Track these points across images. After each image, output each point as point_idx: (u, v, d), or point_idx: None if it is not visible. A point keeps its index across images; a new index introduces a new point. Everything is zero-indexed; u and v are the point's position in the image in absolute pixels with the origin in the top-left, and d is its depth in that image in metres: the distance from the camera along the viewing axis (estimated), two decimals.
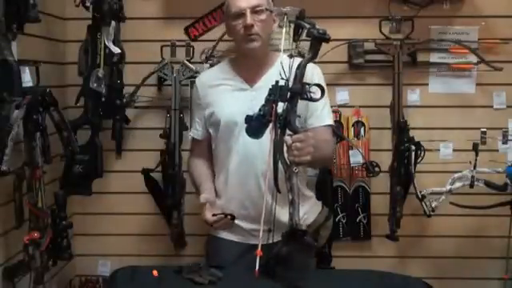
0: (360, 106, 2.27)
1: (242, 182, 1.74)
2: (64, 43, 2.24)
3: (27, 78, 1.65)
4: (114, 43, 1.95)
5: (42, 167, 1.62)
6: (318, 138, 1.57)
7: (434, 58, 2.26)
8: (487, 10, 2.24)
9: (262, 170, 1.68)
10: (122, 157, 2.32)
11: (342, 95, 2.27)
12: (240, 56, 1.82)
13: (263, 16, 1.69)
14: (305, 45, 1.93)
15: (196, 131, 1.87)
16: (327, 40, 1.43)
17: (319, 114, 1.75)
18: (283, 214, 1.51)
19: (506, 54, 2.23)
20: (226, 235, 1.81)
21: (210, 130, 1.82)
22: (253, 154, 1.69)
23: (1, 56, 1.43)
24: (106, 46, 1.91)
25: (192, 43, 2.21)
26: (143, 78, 2.19)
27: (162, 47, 2.21)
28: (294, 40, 1.58)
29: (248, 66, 1.77)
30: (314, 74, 1.76)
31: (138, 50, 2.21)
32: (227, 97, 1.76)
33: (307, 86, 1.43)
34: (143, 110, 2.29)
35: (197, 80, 1.89)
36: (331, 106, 2.22)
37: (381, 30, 2.19)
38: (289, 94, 1.43)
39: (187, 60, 2.19)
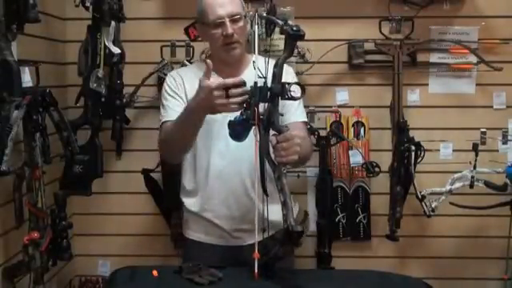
0: (360, 107, 2.27)
1: (225, 180, 1.71)
2: (64, 43, 2.24)
3: (27, 78, 1.65)
4: (114, 43, 1.95)
5: (41, 167, 1.63)
6: (301, 136, 1.55)
7: (434, 58, 2.26)
8: (487, 11, 2.24)
9: (247, 168, 1.68)
10: (122, 157, 2.32)
11: (342, 95, 2.28)
12: (216, 59, 1.76)
13: (241, 23, 1.67)
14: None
15: (176, 113, 1.63)
16: (302, 37, 1.40)
17: (294, 112, 1.73)
18: (270, 214, 1.49)
19: (505, 54, 2.23)
20: (203, 238, 1.78)
21: None
22: (235, 151, 1.66)
23: (1, 56, 1.43)
24: (105, 46, 1.91)
25: (192, 43, 2.21)
26: (143, 79, 2.19)
27: (161, 47, 2.22)
28: (268, 35, 1.57)
29: (225, 66, 1.74)
30: (288, 73, 1.74)
31: (137, 51, 2.21)
32: None
33: (287, 86, 1.40)
34: (143, 111, 2.29)
35: (173, 73, 1.82)
36: (331, 106, 2.26)
37: (381, 31, 2.19)
38: (269, 94, 1.40)
39: (187, 60, 2.19)
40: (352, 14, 2.24)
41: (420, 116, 2.25)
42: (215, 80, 1.46)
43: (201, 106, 1.51)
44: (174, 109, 1.69)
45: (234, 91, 1.44)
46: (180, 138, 1.64)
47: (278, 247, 1.49)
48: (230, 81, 1.45)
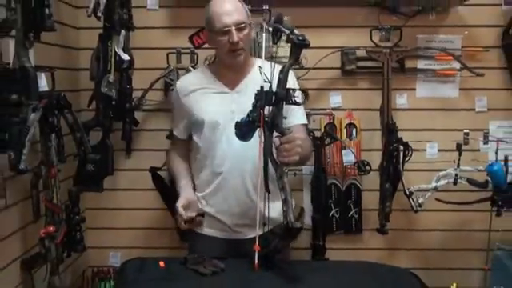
0: (352, 109, 2.27)
1: (227, 179, 1.72)
2: (77, 51, 2.25)
3: (43, 83, 1.64)
4: (124, 51, 1.94)
5: (57, 166, 1.62)
6: (302, 138, 1.57)
7: (421, 64, 2.27)
8: (470, 20, 2.24)
9: (248, 168, 1.68)
10: (131, 156, 2.32)
11: (336, 99, 2.28)
12: (221, 64, 1.79)
13: (246, 31, 1.67)
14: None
15: (178, 130, 1.84)
16: (307, 46, 1.40)
17: (295, 114, 1.74)
18: (270, 210, 1.51)
19: (487, 61, 2.23)
20: (207, 231, 1.79)
21: (193, 130, 1.79)
22: (237, 152, 1.67)
23: (19, 63, 1.42)
24: (116, 54, 1.90)
25: (196, 51, 2.21)
26: (151, 83, 2.19)
27: (168, 54, 2.21)
28: (274, 42, 1.57)
29: (228, 71, 1.75)
30: (290, 78, 1.75)
31: (145, 57, 2.20)
32: (209, 99, 1.74)
33: (291, 91, 1.41)
34: (151, 113, 2.29)
35: (177, 84, 1.85)
36: (325, 109, 2.26)
37: (371, 39, 2.19)
38: (274, 98, 1.41)
39: (191, 66, 2.18)
40: (345, 24, 2.24)
41: (408, 118, 2.26)
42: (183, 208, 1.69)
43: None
44: (177, 124, 1.84)
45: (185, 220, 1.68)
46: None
47: (278, 241, 1.50)
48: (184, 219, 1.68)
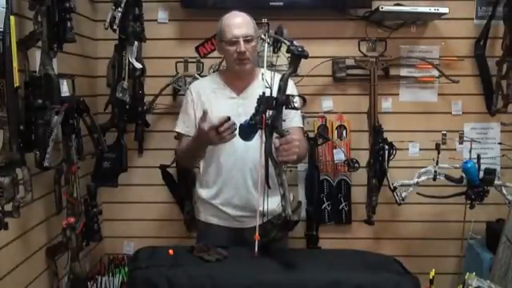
0: (342, 113, 2.28)
1: (230, 175, 1.73)
2: (95, 60, 2.25)
3: (65, 89, 1.65)
4: (137, 60, 1.95)
5: (76, 163, 1.62)
6: (299, 139, 1.57)
7: (404, 72, 2.28)
8: (446, 33, 2.26)
9: (249, 167, 1.69)
10: (143, 155, 2.32)
11: (328, 103, 2.29)
12: (229, 71, 1.80)
13: (253, 43, 1.69)
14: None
15: (187, 128, 1.77)
16: (306, 57, 1.40)
17: (292, 118, 1.74)
18: (269, 203, 1.51)
19: (461, 69, 2.25)
20: (212, 220, 1.80)
21: None
22: (240, 151, 1.68)
23: (44, 70, 1.43)
24: (129, 62, 1.91)
25: (202, 60, 2.21)
26: (161, 89, 2.20)
27: (176, 63, 2.22)
28: (274, 52, 1.58)
29: (236, 79, 1.76)
30: (289, 85, 1.76)
31: (156, 66, 2.21)
32: (218, 103, 1.74)
33: (291, 97, 1.41)
34: (160, 116, 2.29)
35: (191, 86, 1.83)
36: (318, 113, 2.27)
37: (359, 49, 2.20)
38: (274, 103, 1.41)
39: (198, 74, 2.19)
40: (335, 36, 2.25)
41: (392, 120, 2.27)
42: (208, 124, 1.53)
43: (202, 142, 1.62)
44: (185, 123, 1.77)
45: (221, 129, 1.51)
46: (191, 158, 1.79)
47: (276, 232, 1.50)
48: (217, 123, 1.51)
